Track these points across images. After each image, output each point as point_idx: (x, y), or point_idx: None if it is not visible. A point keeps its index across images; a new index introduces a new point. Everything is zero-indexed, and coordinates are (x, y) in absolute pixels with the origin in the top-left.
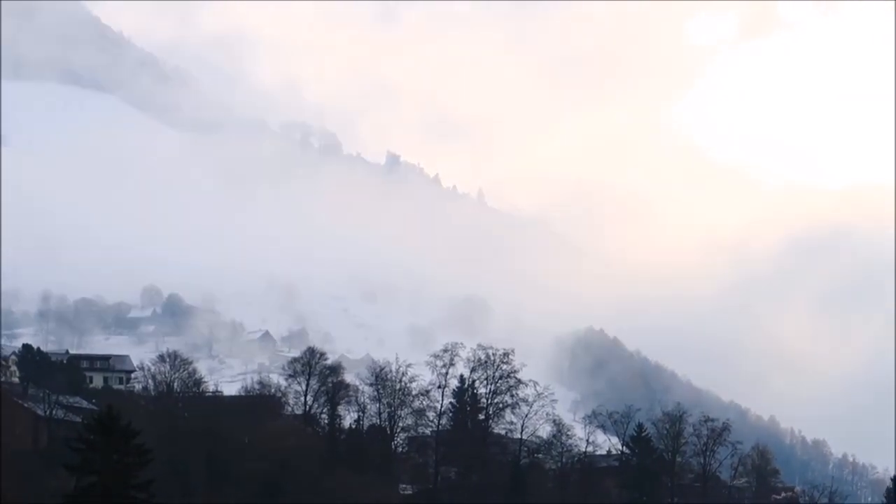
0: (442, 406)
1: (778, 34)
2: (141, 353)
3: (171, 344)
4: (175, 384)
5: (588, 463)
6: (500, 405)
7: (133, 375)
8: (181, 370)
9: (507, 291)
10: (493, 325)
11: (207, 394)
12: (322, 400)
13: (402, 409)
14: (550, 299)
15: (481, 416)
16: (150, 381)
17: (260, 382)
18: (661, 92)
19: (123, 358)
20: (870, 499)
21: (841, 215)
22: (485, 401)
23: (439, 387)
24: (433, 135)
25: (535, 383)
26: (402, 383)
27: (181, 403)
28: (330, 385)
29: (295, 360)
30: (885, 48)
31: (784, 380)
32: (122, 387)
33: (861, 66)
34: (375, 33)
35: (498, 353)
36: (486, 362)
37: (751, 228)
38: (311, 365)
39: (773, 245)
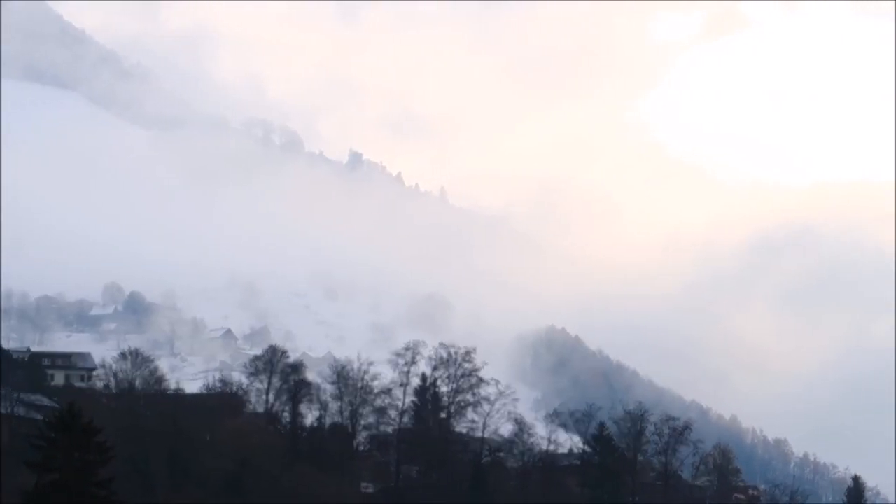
0: (403, 404)
1: (742, 33)
2: (103, 350)
3: (133, 341)
4: (137, 382)
5: (549, 461)
6: (462, 403)
7: (95, 373)
8: (143, 368)
9: (470, 290)
10: (455, 324)
11: (169, 391)
12: (284, 398)
13: (363, 408)
14: (512, 297)
15: (443, 415)
16: (111, 378)
17: (222, 380)
18: (625, 90)
19: (85, 355)
20: (831, 498)
21: (806, 214)
22: (446, 399)
23: (401, 385)
24: (395, 133)
25: (497, 382)
26: (364, 381)
27: (143, 401)
28: (292, 383)
29: (257, 358)
30: (849, 47)
31: (746, 379)
32: (83, 384)
33: (825, 65)
34: (338, 31)
35: (460, 351)
36: (447, 361)
37: (715, 227)
38: (272, 363)
39: (737, 242)
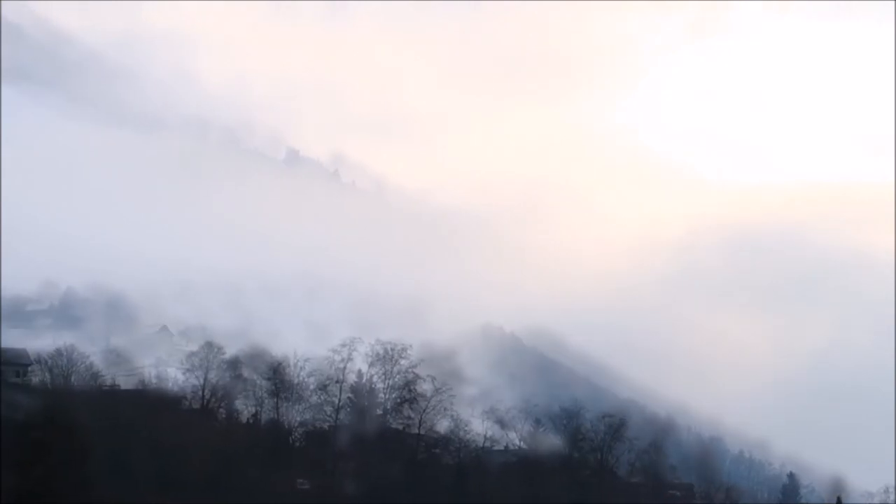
0: (340, 401)
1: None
2: (38, 346)
3: (68, 337)
4: (72, 378)
5: (485, 458)
6: (398, 400)
7: (30, 369)
8: (78, 364)
9: (407, 286)
10: (391, 320)
11: (105, 387)
12: (219, 394)
13: (299, 404)
14: (450, 294)
15: (379, 412)
16: (46, 374)
17: (157, 376)
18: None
19: (20, 351)
20: (766, 495)
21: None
22: (383, 396)
23: (337, 382)
24: (333, 130)
25: (434, 378)
26: (300, 378)
27: (78, 397)
28: (227, 379)
29: (192, 354)
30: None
31: (682, 376)
32: (18, 380)
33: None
34: (275, 27)
35: (396, 348)
36: (384, 357)
37: (652, 225)
38: (208, 359)
39: (675, 241)
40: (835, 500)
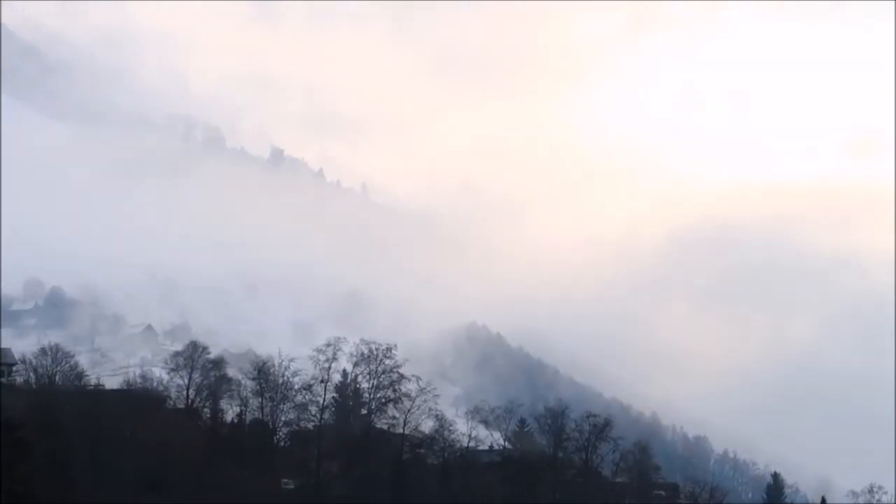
0: (324, 401)
1: (665, 32)
2: (23, 346)
3: (53, 337)
4: (57, 377)
5: (470, 458)
6: (383, 400)
7: (14, 368)
8: (63, 363)
9: (392, 286)
10: (376, 320)
11: (89, 387)
12: (204, 394)
13: (284, 404)
14: (434, 294)
15: (364, 411)
16: (31, 374)
17: (142, 376)
18: (545, 89)
19: (5, 351)
20: (750, 495)
21: (726, 212)
22: (367, 395)
23: (322, 381)
24: (318, 129)
25: (418, 378)
26: (285, 378)
27: (63, 397)
28: (212, 379)
29: (177, 353)
30: (769, 47)
31: (666, 376)
32: (3, 380)
33: (747, 65)
34: (259, 28)
35: (381, 348)
36: (368, 357)
37: (636, 225)
38: (193, 359)
39: (658, 241)
40: (819, 500)
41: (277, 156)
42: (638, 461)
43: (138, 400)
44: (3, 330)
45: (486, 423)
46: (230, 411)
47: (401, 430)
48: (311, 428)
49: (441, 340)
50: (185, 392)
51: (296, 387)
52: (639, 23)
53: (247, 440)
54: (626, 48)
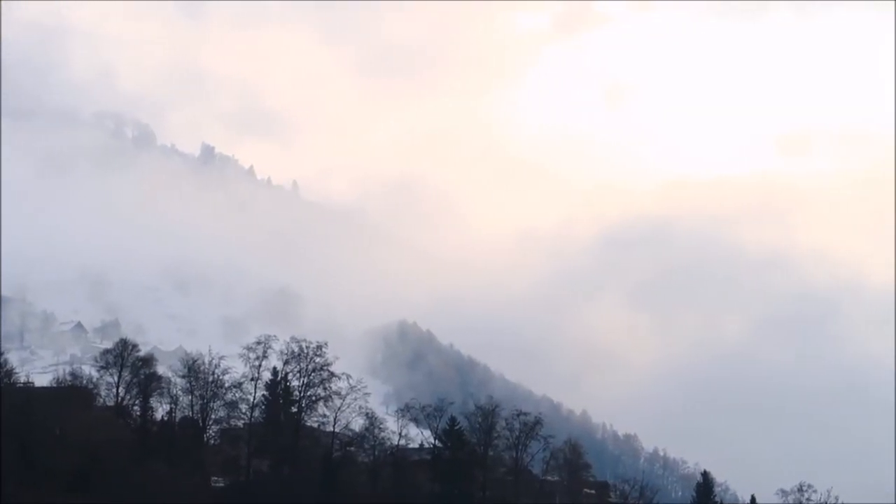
0: (255, 398)
1: (594, 31)
2: None
3: None
4: None
5: (400, 456)
6: (313, 398)
7: None
8: None
9: (322, 284)
10: (307, 318)
11: (18, 385)
12: (134, 392)
13: (214, 402)
14: (365, 292)
15: (294, 409)
16: None
17: (72, 374)
18: (476, 87)
19: None
20: (680, 493)
21: (658, 211)
22: (298, 393)
23: (252, 379)
24: (248, 127)
25: (349, 376)
26: (215, 375)
27: None
28: (142, 377)
29: (107, 351)
30: (701, 45)
31: (597, 375)
32: None
33: (676, 64)
34: (189, 25)
35: (311, 345)
36: (299, 355)
37: (566, 224)
38: (123, 356)
39: (590, 239)
40: (749, 499)
41: (208, 153)
42: (568, 459)
43: (67, 398)
44: None
45: (416, 421)
46: (160, 409)
47: (331, 429)
48: (242, 426)
49: (372, 338)
50: (114, 390)
51: (226, 385)
52: (569, 21)
53: (177, 438)
54: (557, 46)
